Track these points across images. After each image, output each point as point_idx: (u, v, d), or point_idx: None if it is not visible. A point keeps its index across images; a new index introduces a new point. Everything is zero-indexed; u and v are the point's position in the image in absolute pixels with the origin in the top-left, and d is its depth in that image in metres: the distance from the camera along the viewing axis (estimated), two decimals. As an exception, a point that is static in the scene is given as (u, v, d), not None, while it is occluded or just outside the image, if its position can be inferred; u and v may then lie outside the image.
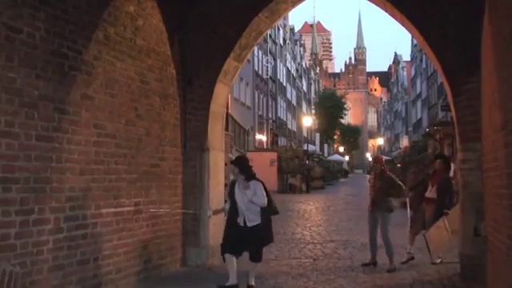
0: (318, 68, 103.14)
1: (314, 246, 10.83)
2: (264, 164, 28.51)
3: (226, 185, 10.01)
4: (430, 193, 8.92)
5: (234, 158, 7.46)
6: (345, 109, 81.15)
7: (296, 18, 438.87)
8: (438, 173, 9.12)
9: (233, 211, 6.97)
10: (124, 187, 6.80)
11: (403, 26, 8.24)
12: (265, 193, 6.82)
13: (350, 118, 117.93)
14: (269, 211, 6.94)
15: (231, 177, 7.29)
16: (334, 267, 8.46)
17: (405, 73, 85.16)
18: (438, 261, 8.67)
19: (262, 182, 6.91)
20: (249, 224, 6.81)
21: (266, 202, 6.79)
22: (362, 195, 29.29)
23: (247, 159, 7.41)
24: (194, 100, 8.56)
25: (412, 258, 8.79)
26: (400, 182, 8.87)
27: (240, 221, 6.87)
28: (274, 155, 30.36)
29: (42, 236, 5.31)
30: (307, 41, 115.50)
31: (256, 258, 6.98)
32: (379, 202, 8.46)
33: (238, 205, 6.88)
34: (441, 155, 11.10)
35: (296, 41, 66.70)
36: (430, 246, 8.56)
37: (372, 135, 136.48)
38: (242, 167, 6.95)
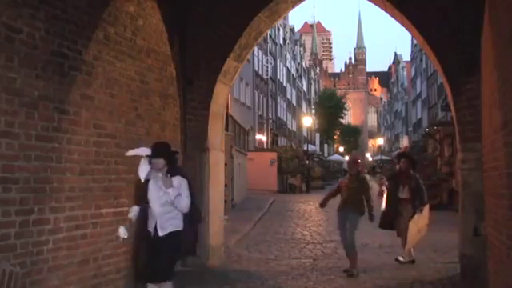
0: (318, 68, 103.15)
1: (313, 246, 10.84)
2: (264, 164, 28.54)
3: (226, 185, 10.02)
4: (404, 193, 8.95)
5: (152, 147, 5.59)
6: (345, 109, 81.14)
7: (296, 18, 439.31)
8: (403, 172, 9.10)
9: (143, 217, 5.54)
10: (124, 187, 6.79)
11: (403, 26, 8.24)
12: (189, 193, 5.46)
13: (350, 118, 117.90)
14: (192, 218, 5.52)
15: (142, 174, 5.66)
16: (333, 267, 8.47)
17: (405, 73, 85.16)
18: (401, 258, 8.86)
19: (188, 180, 5.53)
20: (161, 233, 5.38)
21: (188, 205, 5.41)
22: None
23: (169, 145, 5.73)
24: (194, 100, 8.56)
25: (412, 261, 8.85)
26: (369, 185, 8.58)
27: (151, 228, 5.44)
28: (273, 155, 30.38)
29: (42, 236, 5.30)
30: (307, 41, 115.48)
31: (162, 276, 5.41)
32: (352, 203, 8.15)
33: (150, 207, 5.45)
34: (404, 154, 11.10)
35: (296, 41, 66.70)
36: (408, 239, 8.69)
37: (372, 135, 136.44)
38: (164, 157, 5.42)
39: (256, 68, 38.07)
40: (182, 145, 8.42)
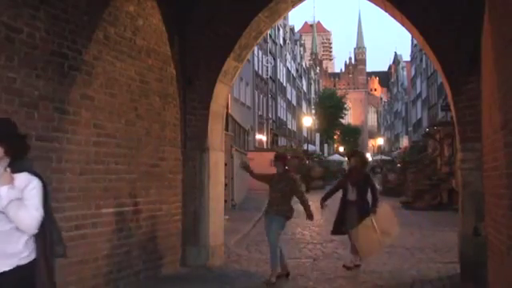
0: (318, 68, 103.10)
1: (313, 246, 10.84)
2: (264, 164, 28.50)
3: (226, 185, 10.02)
4: (352, 194, 8.27)
5: None
6: (345, 109, 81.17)
7: (296, 18, 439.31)
8: (354, 171, 8.55)
9: None
10: (124, 187, 6.79)
11: (403, 26, 8.24)
12: (40, 203, 3.20)
13: (350, 118, 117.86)
14: (46, 244, 3.25)
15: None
16: (333, 267, 8.46)
17: (405, 73, 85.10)
18: (358, 262, 8.19)
19: (43, 182, 3.36)
20: None
21: (36, 223, 3.15)
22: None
23: (11, 124, 3.40)
24: (194, 100, 8.56)
25: (358, 266, 8.21)
26: (301, 189, 7.93)
27: None
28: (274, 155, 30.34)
29: (41, 236, 5.30)
30: (307, 41, 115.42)
31: None
32: (279, 205, 7.50)
33: None
34: (355, 152, 10.46)
35: (296, 41, 66.69)
36: (358, 245, 7.96)
37: (372, 135, 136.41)
38: (3, 142, 3.20)
39: (256, 68, 38.07)
40: (182, 145, 8.42)
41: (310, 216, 7.60)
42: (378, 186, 8.40)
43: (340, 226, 8.41)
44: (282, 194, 7.51)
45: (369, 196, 8.41)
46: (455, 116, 7.53)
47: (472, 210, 7.02)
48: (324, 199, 8.66)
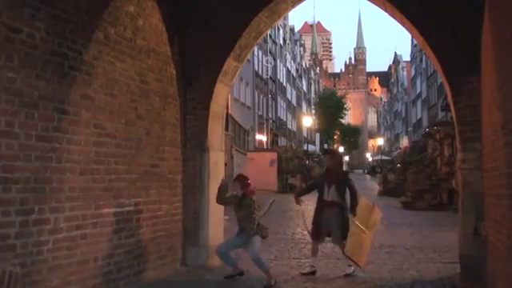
0: (317, 68, 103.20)
1: (313, 246, 10.82)
2: (264, 164, 28.55)
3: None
4: (329, 195, 7.86)
5: None
6: (345, 109, 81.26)
7: (296, 17, 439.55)
8: (329, 171, 8.15)
9: None
10: (124, 187, 6.79)
11: (403, 26, 8.24)
12: None
13: (350, 118, 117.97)
14: None
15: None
16: (333, 267, 8.46)
17: (405, 73, 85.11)
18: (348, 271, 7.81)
19: None
20: None
21: None
22: (362, 196, 29.29)
23: None
24: (194, 100, 8.56)
25: (313, 272, 7.79)
26: (256, 216, 7.28)
27: None
28: (273, 155, 30.40)
29: (42, 236, 5.30)
30: (307, 41, 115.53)
31: None
32: (246, 228, 7.26)
33: None
34: (328, 151, 9.94)
35: (296, 41, 66.72)
36: (354, 258, 7.64)
37: (372, 135, 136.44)
38: None
39: (256, 68, 38.09)
40: (182, 145, 8.42)
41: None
42: (356, 187, 8.13)
43: (319, 230, 7.96)
44: (246, 219, 7.28)
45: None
46: (455, 116, 7.53)
47: (472, 210, 7.01)
48: (299, 195, 8.56)
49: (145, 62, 7.43)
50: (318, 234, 7.96)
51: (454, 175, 16.52)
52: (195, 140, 8.49)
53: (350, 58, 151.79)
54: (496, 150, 5.42)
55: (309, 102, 75.92)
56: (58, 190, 5.55)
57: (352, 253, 7.61)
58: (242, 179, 7.59)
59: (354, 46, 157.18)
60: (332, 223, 7.80)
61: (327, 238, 8.10)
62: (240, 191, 7.45)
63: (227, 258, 7.50)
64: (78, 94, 5.96)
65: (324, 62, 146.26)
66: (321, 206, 7.95)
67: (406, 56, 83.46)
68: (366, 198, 8.09)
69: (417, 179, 24.59)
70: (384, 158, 71.11)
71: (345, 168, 68.21)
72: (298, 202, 8.44)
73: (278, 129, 47.38)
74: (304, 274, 7.79)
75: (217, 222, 8.69)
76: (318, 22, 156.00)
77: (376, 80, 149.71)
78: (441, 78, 9.94)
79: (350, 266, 7.82)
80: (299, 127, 62.02)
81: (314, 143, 67.15)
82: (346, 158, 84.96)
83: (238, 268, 7.51)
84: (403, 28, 8.34)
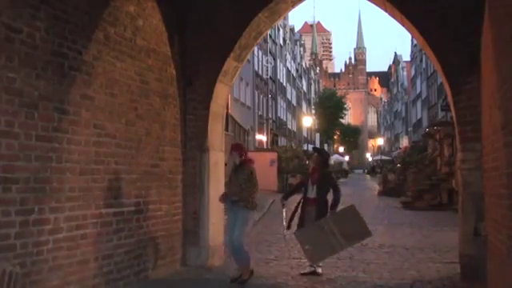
0: (317, 68, 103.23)
1: (313, 246, 10.81)
2: (264, 164, 28.50)
3: (225, 184, 10.00)
4: (313, 193, 7.93)
5: None
6: (345, 109, 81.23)
7: (296, 17, 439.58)
8: (315, 170, 8.18)
9: None
10: (124, 187, 6.79)
11: (403, 26, 8.24)
12: None
13: (350, 118, 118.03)
14: None
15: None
16: (334, 267, 8.46)
17: (405, 73, 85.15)
18: (319, 270, 7.79)
19: None
20: None
21: None
22: (362, 196, 29.30)
23: None
24: (194, 100, 8.56)
25: (313, 272, 7.72)
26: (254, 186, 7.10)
27: None
28: (273, 155, 30.36)
29: (42, 236, 5.30)
30: (307, 41, 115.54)
31: None
32: (237, 200, 7.16)
33: None
34: (316, 150, 9.90)
35: (296, 41, 66.73)
36: (304, 249, 7.66)
37: (372, 135, 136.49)
38: None
39: (256, 68, 38.09)
40: (182, 145, 8.42)
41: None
42: (340, 189, 8.02)
43: (302, 225, 7.98)
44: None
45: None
46: (455, 116, 7.53)
47: (472, 210, 7.01)
48: (285, 197, 8.50)
49: (145, 62, 7.43)
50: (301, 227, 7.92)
51: (453, 175, 16.52)
52: (195, 140, 8.50)
53: (350, 58, 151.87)
54: (496, 149, 5.42)
55: (309, 102, 75.93)
56: (58, 189, 5.55)
57: (303, 239, 7.61)
58: (239, 147, 7.44)
59: (354, 46, 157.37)
60: (311, 221, 7.85)
61: None
62: (238, 159, 7.19)
63: (240, 253, 7.14)
64: (77, 93, 5.96)
65: (324, 62, 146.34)
66: (304, 202, 8.02)
67: (406, 56, 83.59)
68: (356, 210, 7.85)
69: (417, 179, 24.56)
70: (384, 157, 71.13)
71: (345, 168, 68.77)
72: (283, 206, 8.38)
73: (278, 129, 47.38)
74: (303, 274, 7.79)
75: (217, 221, 8.69)
76: (318, 22, 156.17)
77: (376, 80, 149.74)
78: (441, 78, 9.94)
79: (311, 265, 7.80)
80: (299, 127, 62.03)
81: (314, 143, 67.15)
82: (346, 157, 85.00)
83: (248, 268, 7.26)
84: (403, 28, 8.34)
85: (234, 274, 7.36)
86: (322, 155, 8.56)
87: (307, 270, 7.91)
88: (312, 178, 8.04)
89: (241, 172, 7.17)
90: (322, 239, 7.44)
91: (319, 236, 7.47)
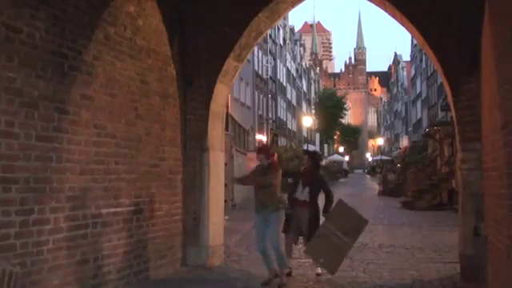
0: (318, 68, 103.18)
1: (313, 246, 10.80)
2: (264, 164, 28.45)
3: (226, 185, 10.01)
4: (303, 194, 7.82)
5: None
6: (345, 109, 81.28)
7: (296, 18, 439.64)
8: (306, 172, 8.07)
9: None
10: (124, 187, 6.80)
11: (403, 26, 8.23)
12: None
13: (350, 118, 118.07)
14: None
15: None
16: (334, 267, 8.44)
17: (405, 73, 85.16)
18: (319, 270, 7.74)
19: None
20: None
21: None
22: (362, 196, 29.30)
23: None
24: (194, 100, 8.56)
25: (289, 274, 7.56)
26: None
27: None
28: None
29: (42, 236, 5.30)
30: (307, 41, 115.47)
31: None
32: (266, 202, 7.04)
33: None
34: (309, 152, 9.70)
35: (296, 41, 66.70)
36: (320, 262, 7.56)
37: (372, 135, 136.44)
38: None
39: (256, 68, 38.08)
40: (182, 145, 8.42)
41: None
42: (332, 191, 7.94)
43: (288, 224, 7.72)
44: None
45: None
46: (455, 116, 7.53)
47: (472, 210, 7.01)
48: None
49: (145, 62, 7.43)
50: (286, 227, 7.72)
51: (454, 175, 16.53)
52: (195, 140, 8.50)
53: (350, 58, 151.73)
54: (496, 149, 5.42)
55: (309, 102, 75.90)
56: (58, 190, 5.56)
57: (314, 254, 7.55)
58: (266, 149, 7.36)
59: (354, 46, 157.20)
60: (303, 223, 7.74)
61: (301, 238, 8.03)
62: (266, 161, 7.10)
63: (268, 256, 7.02)
64: (77, 93, 5.96)
65: (324, 62, 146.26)
66: (293, 203, 7.78)
67: (406, 56, 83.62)
68: (346, 203, 7.77)
69: (417, 179, 24.59)
70: (384, 158, 71.09)
71: (345, 168, 68.78)
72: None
73: (278, 129, 47.37)
74: (318, 275, 7.69)
75: (217, 221, 8.69)
76: (318, 22, 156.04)
77: (376, 80, 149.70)
78: (441, 78, 9.94)
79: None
80: (299, 127, 62.02)
81: (314, 143, 67.15)
82: (346, 157, 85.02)
83: (274, 270, 7.08)
84: (403, 28, 8.34)
85: (265, 278, 7.10)
86: (314, 158, 8.51)
87: (319, 270, 7.77)
88: (303, 180, 7.93)
89: (270, 174, 7.00)
90: (329, 247, 7.34)
91: (325, 245, 7.36)
